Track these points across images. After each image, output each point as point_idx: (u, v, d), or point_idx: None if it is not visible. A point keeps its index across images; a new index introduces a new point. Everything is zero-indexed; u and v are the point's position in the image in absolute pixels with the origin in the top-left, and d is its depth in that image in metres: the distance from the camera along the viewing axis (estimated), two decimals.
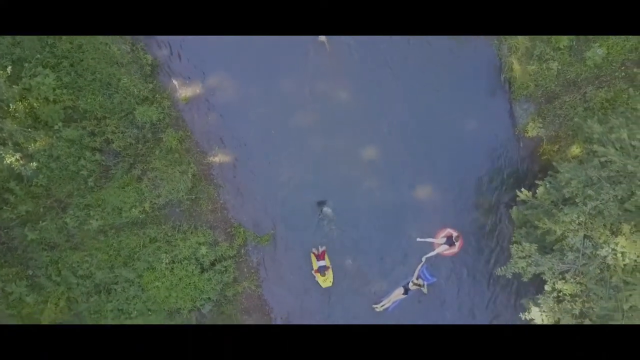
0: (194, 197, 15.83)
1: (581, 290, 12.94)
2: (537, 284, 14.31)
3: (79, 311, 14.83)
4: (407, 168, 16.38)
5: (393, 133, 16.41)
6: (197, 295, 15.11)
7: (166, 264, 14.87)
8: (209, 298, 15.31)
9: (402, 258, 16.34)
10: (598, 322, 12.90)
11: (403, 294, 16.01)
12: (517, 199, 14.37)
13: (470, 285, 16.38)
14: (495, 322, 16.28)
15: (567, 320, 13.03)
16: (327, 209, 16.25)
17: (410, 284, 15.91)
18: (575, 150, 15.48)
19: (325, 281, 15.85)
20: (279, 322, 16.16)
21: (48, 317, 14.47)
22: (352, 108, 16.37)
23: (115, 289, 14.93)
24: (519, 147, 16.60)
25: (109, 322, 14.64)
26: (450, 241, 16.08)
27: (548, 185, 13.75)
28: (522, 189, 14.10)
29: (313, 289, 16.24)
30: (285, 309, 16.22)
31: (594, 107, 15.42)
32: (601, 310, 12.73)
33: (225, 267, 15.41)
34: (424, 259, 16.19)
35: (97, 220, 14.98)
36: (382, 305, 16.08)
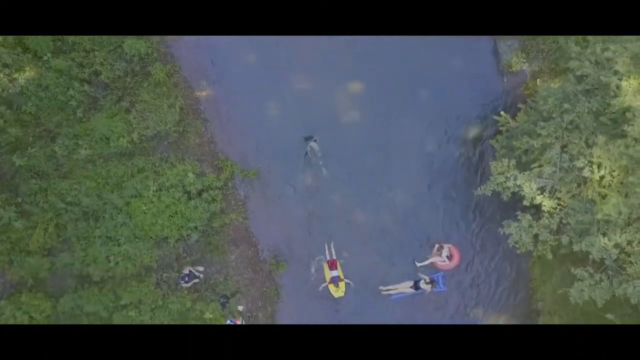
0: (181, 129, 16.07)
1: (558, 205, 13.17)
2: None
3: (68, 237, 15.06)
4: (391, 104, 16.56)
5: (378, 70, 16.60)
6: (183, 223, 15.31)
7: (153, 191, 15.09)
8: (196, 227, 15.51)
9: (387, 190, 16.57)
10: (575, 237, 13.12)
11: (411, 287, 16.10)
12: (498, 124, 14.58)
13: (456, 215, 16.59)
14: (480, 249, 16.44)
15: (544, 236, 13.25)
16: (313, 144, 16.48)
17: (422, 282, 15.93)
18: (557, 82, 15.69)
19: (338, 291, 16.01)
20: (265, 254, 16.39)
21: (37, 241, 14.69)
22: (339, 47, 16.55)
23: (103, 216, 15.16)
24: (503, 82, 16.82)
25: (97, 248, 14.83)
26: (447, 253, 16.05)
27: (528, 108, 13.97)
28: (501, 112, 14.31)
29: (299, 224, 16.50)
30: (272, 241, 16.46)
31: (576, 38, 15.61)
32: (577, 224, 12.96)
33: (212, 196, 15.63)
34: (417, 265, 16.25)
35: (85, 149, 15.23)
36: (388, 290, 16.25)
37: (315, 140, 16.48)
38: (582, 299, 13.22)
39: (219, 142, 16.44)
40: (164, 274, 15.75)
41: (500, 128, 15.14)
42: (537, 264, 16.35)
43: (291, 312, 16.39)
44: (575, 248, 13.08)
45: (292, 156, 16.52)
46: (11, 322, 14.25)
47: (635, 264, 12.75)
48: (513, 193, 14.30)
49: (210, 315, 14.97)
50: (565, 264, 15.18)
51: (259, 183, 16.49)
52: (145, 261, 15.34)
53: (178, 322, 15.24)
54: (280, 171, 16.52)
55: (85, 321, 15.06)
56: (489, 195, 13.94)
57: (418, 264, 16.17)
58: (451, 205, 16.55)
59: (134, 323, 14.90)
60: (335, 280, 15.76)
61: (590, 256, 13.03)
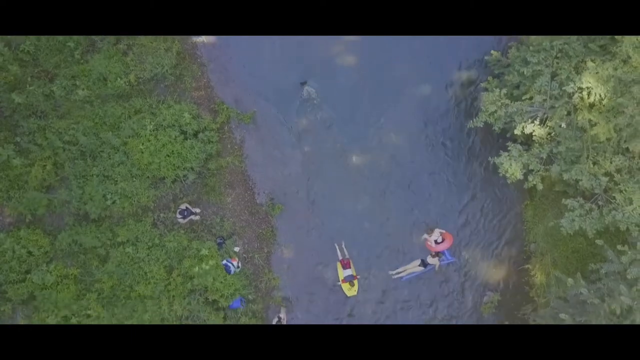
0: (178, 73, 16.26)
1: (549, 135, 13.38)
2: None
3: (65, 175, 15.24)
4: (386, 49, 16.72)
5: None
6: (180, 163, 15.48)
7: (150, 130, 15.25)
8: (192, 168, 15.69)
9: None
10: (565, 166, 13.32)
11: (419, 265, 16.21)
12: (490, 64, 14.76)
13: (450, 160, 16.79)
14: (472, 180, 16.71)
15: (535, 165, 13.44)
16: (309, 89, 16.68)
17: (429, 257, 16.00)
18: None
19: (351, 290, 16.11)
20: (261, 196, 16.58)
21: (35, 178, 14.87)
22: None
23: (100, 155, 15.34)
24: None
25: (94, 186, 15.00)
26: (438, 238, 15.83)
27: (519, 45, 14.18)
28: (492, 51, 14.51)
29: (295, 167, 16.71)
30: (268, 184, 16.65)
31: None
32: (567, 152, 13.17)
33: (209, 137, 15.81)
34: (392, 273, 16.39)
35: (83, 90, 15.40)
36: (398, 273, 16.37)
37: (310, 85, 16.66)
38: (573, 229, 13.45)
39: (215, 86, 16.63)
40: (161, 214, 15.94)
41: (492, 67, 15.32)
42: (530, 206, 16.57)
43: (287, 254, 16.58)
44: (565, 177, 13.30)
45: (288, 100, 16.71)
46: (9, 255, 14.44)
47: (623, 192, 12.98)
48: (504, 130, 14.60)
49: (206, 252, 15.13)
50: (557, 204, 15.40)
51: (255, 127, 16.68)
52: (143, 201, 15.53)
53: (174, 261, 15.43)
54: (275, 115, 16.71)
55: (81, 260, 15.27)
56: (481, 136, 14.15)
57: (392, 273, 16.36)
58: (445, 149, 16.73)
59: (131, 260, 15.10)
60: (349, 279, 15.87)
61: (580, 184, 13.26)
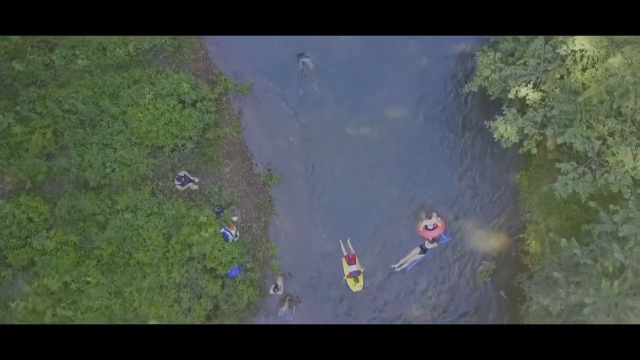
0: (177, 44, 16.41)
1: (542, 98, 13.55)
2: None
3: (65, 144, 15.40)
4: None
5: None
6: (178, 132, 15.65)
7: (149, 99, 15.41)
8: (190, 137, 15.85)
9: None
10: (558, 130, 13.50)
11: (420, 253, 16.34)
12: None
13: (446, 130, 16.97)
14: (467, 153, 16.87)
15: (529, 129, 13.62)
16: (306, 60, 16.85)
17: (427, 243, 16.16)
18: None
19: (356, 286, 16.22)
20: (259, 167, 16.76)
21: (35, 146, 15.04)
22: None
23: (100, 124, 15.51)
24: None
25: (94, 153, 15.17)
26: (432, 224, 16.19)
27: None
28: None
29: (292, 138, 16.88)
30: (266, 155, 16.82)
31: None
32: (561, 115, 13.33)
33: (207, 107, 15.97)
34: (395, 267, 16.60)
35: (82, 59, 15.55)
36: (400, 265, 16.50)
37: (308, 56, 16.83)
38: (567, 192, 13.61)
39: (213, 58, 16.79)
40: (160, 183, 16.10)
41: (487, 36, 15.47)
42: (525, 176, 16.72)
43: (285, 224, 16.75)
44: (559, 141, 13.47)
45: (286, 72, 16.87)
46: (9, 220, 14.60)
47: (616, 155, 13.15)
48: (499, 99, 14.78)
49: (204, 219, 15.28)
50: (552, 174, 15.56)
51: (253, 98, 16.85)
52: (141, 169, 15.70)
53: (173, 228, 15.58)
54: (273, 87, 16.87)
55: (81, 227, 15.42)
56: (477, 108, 14.18)
57: (395, 267, 16.52)
58: (441, 120, 16.89)
59: (130, 226, 15.26)
60: (354, 275, 15.97)
61: (573, 148, 13.44)
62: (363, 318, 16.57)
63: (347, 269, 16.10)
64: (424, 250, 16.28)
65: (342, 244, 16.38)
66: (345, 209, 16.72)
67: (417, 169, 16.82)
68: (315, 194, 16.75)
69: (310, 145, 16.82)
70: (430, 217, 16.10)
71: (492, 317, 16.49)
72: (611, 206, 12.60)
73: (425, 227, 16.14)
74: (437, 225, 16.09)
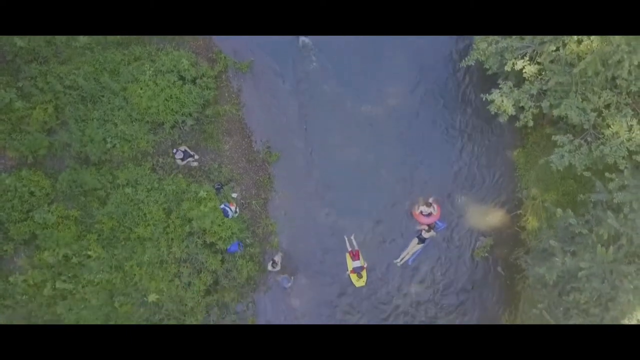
0: None
1: (538, 71, 13.69)
2: None
3: (66, 119, 15.54)
4: None
5: None
6: (178, 108, 15.81)
7: (149, 75, 15.57)
8: (190, 114, 16.01)
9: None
10: (554, 102, 13.64)
11: (418, 243, 16.48)
12: None
13: (442, 108, 17.11)
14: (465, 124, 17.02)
15: (525, 102, 13.76)
16: (305, 38, 17.00)
17: (424, 233, 16.30)
18: None
19: (359, 281, 16.37)
20: (258, 144, 16.90)
21: (37, 121, 15.18)
22: None
23: (100, 100, 15.66)
24: None
25: (95, 128, 15.32)
26: (427, 211, 16.35)
27: None
28: None
29: (291, 116, 17.03)
30: (265, 132, 16.97)
31: None
32: (557, 87, 13.48)
33: (206, 83, 16.13)
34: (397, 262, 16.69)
35: (83, 36, 15.70)
36: (402, 259, 16.61)
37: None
38: (563, 165, 13.74)
39: (212, 36, 16.94)
40: (160, 159, 16.24)
41: None
42: (522, 153, 16.87)
43: (284, 201, 16.89)
44: (555, 113, 13.61)
45: (284, 50, 17.04)
46: (11, 194, 14.74)
47: (611, 127, 13.30)
48: (496, 74, 14.93)
49: (204, 194, 15.42)
50: (548, 150, 15.69)
51: (252, 76, 17.01)
52: (142, 145, 15.85)
53: (173, 204, 15.72)
54: (272, 65, 17.05)
55: (82, 202, 15.56)
56: (474, 84, 14.26)
57: (397, 261, 16.63)
58: (438, 97, 17.06)
59: (130, 201, 15.40)
60: (357, 270, 16.14)
61: (569, 120, 13.59)
62: (362, 301, 16.68)
63: (351, 264, 16.24)
64: (422, 240, 16.43)
65: (346, 239, 16.54)
66: (344, 185, 16.85)
67: (415, 145, 16.97)
68: (314, 171, 16.89)
69: (309, 123, 16.97)
70: (428, 205, 16.27)
71: (489, 293, 16.63)
72: (606, 174, 12.75)
73: (421, 212, 16.29)
74: (432, 213, 16.25)
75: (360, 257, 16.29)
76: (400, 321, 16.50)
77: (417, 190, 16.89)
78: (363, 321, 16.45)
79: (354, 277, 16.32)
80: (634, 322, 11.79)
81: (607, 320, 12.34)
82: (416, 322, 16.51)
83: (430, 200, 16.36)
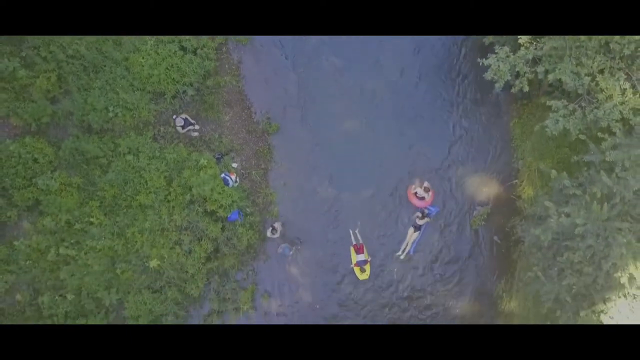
0: None
1: (533, 36, 13.94)
2: None
3: (69, 89, 15.77)
4: None
5: None
6: (179, 78, 16.07)
7: (151, 45, 15.83)
8: (191, 84, 16.27)
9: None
10: (549, 67, 13.89)
11: (415, 232, 16.64)
12: None
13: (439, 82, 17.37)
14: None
15: (521, 67, 13.99)
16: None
17: (418, 220, 16.48)
18: None
19: (363, 275, 16.57)
20: (258, 115, 17.15)
21: (40, 89, 15.41)
22: None
23: (103, 69, 15.90)
24: None
25: (96, 96, 15.56)
26: (422, 195, 16.60)
27: None
28: None
29: (290, 87, 17.28)
30: (265, 105, 17.22)
31: None
32: (551, 51, 13.72)
33: (207, 53, 16.40)
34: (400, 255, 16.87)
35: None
36: (403, 251, 16.80)
37: None
38: (558, 130, 13.98)
39: None
40: (161, 128, 16.48)
41: None
42: (518, 124, 17.13)
43: (283, 171, 17.13)
44: (550, 78, 13.85)
45: None
46: (15, 160, 14.97)
47: (605, 90, 13.55)
48: (492, 43, 15.16)
49: (205, 162, 15.66)
50: (543, 120, 15.93)
51: (252, 48, 17.27)
52: (143, 115, 16.08)
53: (174, 172, 15.94)
54: (272, 37, 17.26)
55: (84, 170, 15.78)
56: (470, 56, 14.39)
57: (399, 254, 16.83)
58: (435, 69, 17.31)
59: (132, 168, 15.62)
60: (361, 264, 16.34)
61: (564, 85, 13.84)
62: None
63: (355, 257, 16.44)
64: (417, 227, 16.62)
65: (351, 233, 16.76)
66: (343, 157, 17.08)
67: (413, 117, 17.22)
68: (314, 142, 17.12)
69: (308, 95, 17.23)
70: (426, 190, 16.47)
71: (485, 262, 16.86)
72: (599, 134, 12.99)
73: (416, 194, 16.54)
74: (425, 198, 16.50)
75: (365, 250, 16.48)
76: (399, 291, 16.72)
77: (415, 162, 17.11)
78: (361, 289, 16.67)
79: (357, 270, 16.51)
80: (625, 277, 12.01)
81: (601, 278, 12.57)
82: (414, 293, 16.72)
83: (426, 184, 16.60)
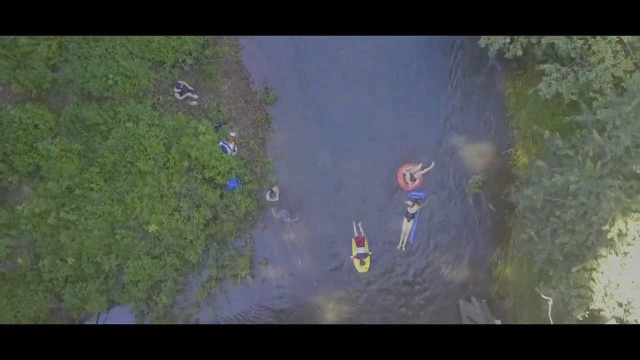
0: None
1: None
2: None
3: (69, 56, 16.00)
4: None
5: None
6: (178, 46, 16.29)
7: None
8: (190, 53, 16.48)
9: None
10: (545, 42, 14.07)
11: (409, 221, 16.74)
12: None
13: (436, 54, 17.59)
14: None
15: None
16: None
17: (409, 209, 16.60)
18: None
19: (362, 267, 16.71)
20: (256, 85, 17.36)
21: (41, 56, 15.64)
22: None
23: (102, 37, 16.10)
24: None
25: (96, 64, 15.77)
26: (412, 179, 16.81)
27: None
28: None
29: (288, 58, 17.49)
30: (263, 75, 17.44)
31: None
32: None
33: None
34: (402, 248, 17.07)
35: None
36: (402, 242, 16.95)
37: None
38: (551, 93, 14.17)
39: None
40: (161, 97, 16.70)
41: None
42: (513, 94, 17.31)
43: (281, 141, 17.35)
44: (544, 41, 14.06)
45: None
46: (16, 125, 15.19)
47: (597, 54, 13.76)
48: None
49: (203, 129, 15.86)
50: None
51: None
52: (143, 83, 16.30)
53: (173, 139, 16.14)
54: None
55: (84, 137, 15.99)
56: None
57: (401, 247, 16.99)
58: (432, 41, 17.52)
59: (131, 135, 15.82)
60: (361, 257, 16.50)
61: (557, 49, 14.05)
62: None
63: (355, 250, 16.62)
64: (411, 216, 16.72)
65: (354, 225, 16.93)
66: (340, 127, 17.28)
67: (409, 87, 17.39)
68: (311, 113, 17.33)
69: (306, 66, 17.44)
70: (412, 179, 16.63)
71: (481, 229, 17.06)
72: (591, 93, 13.19)
73: (407, 172, 16.73)
74: (414, 181, 16.68)
75: (366, 244, 16.65)
76: (395, 268, 16.96)
77: (410, 132, 17.31)
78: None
79: (357, 262, 16.66)
80: (614, 233, 12.16)
81: (592, 236, 12.76)
82: (409, 268, 16.95)
83: (419, 167, 16.80)
